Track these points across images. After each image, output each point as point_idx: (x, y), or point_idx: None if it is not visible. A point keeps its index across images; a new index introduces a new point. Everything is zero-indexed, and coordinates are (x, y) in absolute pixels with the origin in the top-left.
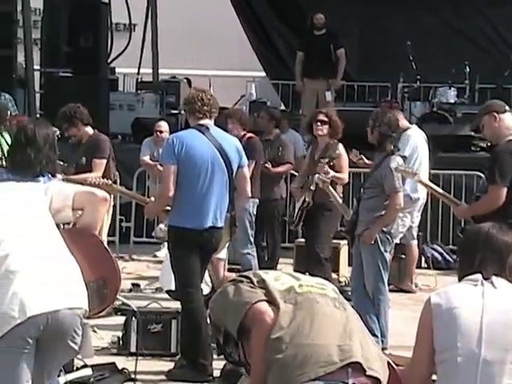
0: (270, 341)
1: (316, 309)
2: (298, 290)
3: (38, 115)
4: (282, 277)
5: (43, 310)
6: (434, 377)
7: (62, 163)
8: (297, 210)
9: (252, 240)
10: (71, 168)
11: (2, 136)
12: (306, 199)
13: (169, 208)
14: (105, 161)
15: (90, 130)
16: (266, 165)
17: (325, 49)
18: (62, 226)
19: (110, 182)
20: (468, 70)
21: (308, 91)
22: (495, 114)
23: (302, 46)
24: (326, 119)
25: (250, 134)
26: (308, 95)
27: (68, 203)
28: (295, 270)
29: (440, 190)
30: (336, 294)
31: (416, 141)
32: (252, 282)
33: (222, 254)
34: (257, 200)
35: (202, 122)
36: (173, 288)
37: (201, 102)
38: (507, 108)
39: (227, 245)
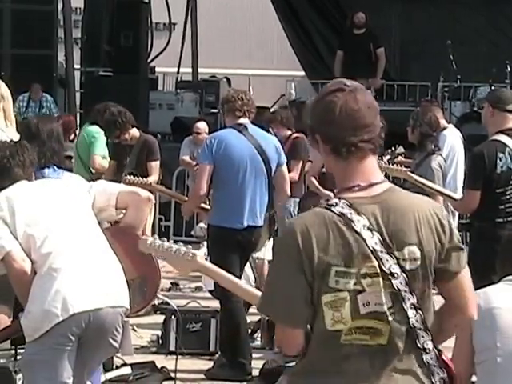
0: None
1: None
2: None
3: (78, 114)
4: None
5: (85, 308)
6: (474, 378)
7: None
8: None
9: None
10: (123, 169)
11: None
12: None
13: (208, 207)
14: (158, 162)
15: (136, 131)
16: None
17: (365, 48)
18: (104, 225)
19: (150, 181)
20: (509, 69)
21: None
22: (491, 107)
23: (342, 45)
24: None
25: (296, 134)
26: None
27: (112, 202)
28: None
29: (435, 186)
30: None
31: (452, 141)
32: None
33: (267, 254)
34: (298, 199)
35: (240, 121)
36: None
37: (241, 101)
38: (509, 108)
39: (269, 244)
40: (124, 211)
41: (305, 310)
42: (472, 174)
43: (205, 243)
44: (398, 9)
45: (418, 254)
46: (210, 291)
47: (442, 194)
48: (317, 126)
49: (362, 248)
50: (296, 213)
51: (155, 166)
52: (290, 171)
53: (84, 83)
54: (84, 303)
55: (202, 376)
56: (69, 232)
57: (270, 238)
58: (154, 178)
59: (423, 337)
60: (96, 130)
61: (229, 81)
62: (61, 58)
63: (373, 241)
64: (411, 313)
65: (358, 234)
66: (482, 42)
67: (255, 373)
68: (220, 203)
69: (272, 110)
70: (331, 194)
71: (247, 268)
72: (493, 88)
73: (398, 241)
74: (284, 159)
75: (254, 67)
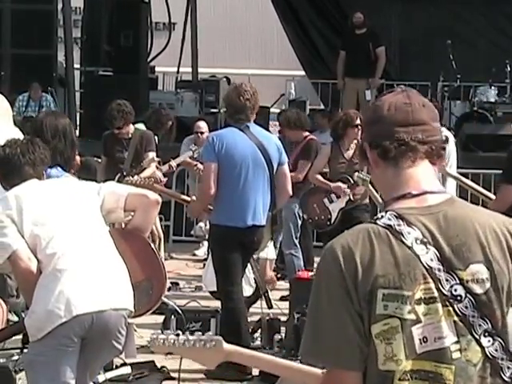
0: None
1: None
2: None
3: (78, 114)
4: None
5: (89, 310)
6: None
7: (98, 160)
8: (337, 210)
9: (296, 242)
10: (115, 165)
11: None
12: (352, 198)
13: (210, 207)
14: (155, 154)
15: (133, 127)
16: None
17: (365, 48)
18: (111, 226)
19: (152, 181)
20: (509, 69)
21: (349, 90)
22: None
23: (343, 46)
24: (361, 122)
25: (310, 136)
26: (349, 94)
27: (120, 204)
28: None
29: (469, 183)
30: None
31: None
32: None
33: (270, 254)
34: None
35: (242, 119)
36: (216, 289)
37: (243, 100)
38: None
39: (271, 244)
40: (132, 213)
41: (360, 345)
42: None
43: (205, 243)
44: (397, 9)
45: (485, 273)
46: (211, 292)
47: (479, 192)
48: (365, 132)
49: (414, 265)
50: (301, 215)
51: (152, 156)
52: (295, 170)
53: (84, 83)
54: (87, 305)
55: (203, 376)
56: (75, 233)
57: (271, 238)
58: (152, 169)
59: (509, 368)
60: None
61: (229, 80)
62: (61, 57)
63: (428, 257)
64: (486, 341)
65: (410, 248)
66: (481, 42)
67: (255, 373)
68: (222, 202)
69: (279, 114)
70: (341, 184)
71: (246, 269)
72: (493, 87)
73: (460, 257)
74: (285, 158)
75: (254, 67)
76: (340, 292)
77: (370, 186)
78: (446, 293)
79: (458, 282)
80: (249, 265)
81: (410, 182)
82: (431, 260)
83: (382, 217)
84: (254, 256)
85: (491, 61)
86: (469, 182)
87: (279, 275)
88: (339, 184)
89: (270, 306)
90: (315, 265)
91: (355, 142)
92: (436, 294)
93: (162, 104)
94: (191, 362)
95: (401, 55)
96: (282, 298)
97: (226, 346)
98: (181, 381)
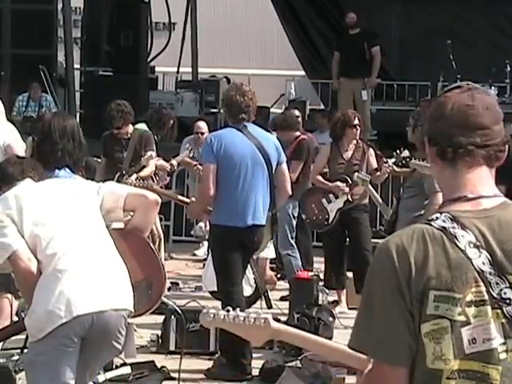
0: None
1: None
2: None
3: (77, 114)
4: None
5: (89, 310)
6: None
7: (98, 160)
8: (335, 211)
9: (292, 242)
10: (114, 165)
11: None
12: (350, 199)
13: (209, 208)
14: (155, 153)
15: (131, 127)
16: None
17: (360, 48)
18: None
19: (151, 183)
20: (509, 69)
21: (345, 90)
22: None
23: (338, 46)
24: (359, 122)
25: (302, 136)
26: (345, 94)
27: (120, 204)
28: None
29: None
30: None
31: None
32: None
33: (269, 253)
34: (297, 202)
35: (240, 120)
36: (215, 289)
37: (242, 100)
38: None
39: (271, 244)
40: (131, 213)
41: (410, 342)
42: None
43: (205, 243)
44: (397, 9)
45: None
46: (211, 292)
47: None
48: (426, 125)
49: (466, 269)
50: (295, 215)
51: (151, 154)
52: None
53: (84, 83)
54: (87, 305)
55: (202, 376)
56: (75, 233)
57: (271, 238)
58: (151, 168)
59: None
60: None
61: (228, 80)
62: (61, 57)
63: (480, 260)
64: None
65: (463, 251)
66: (481, 42)
67: (255, 372)
68: (222, 202)
69: (274, 115)
70: (339, 183)
71: (246, 269)
72: (493, 87)
73: (511, 261)
74: (284, 158)
75: (254, 67)
76: (393, 290)
77: (369, 186)
78: (495, 296)
79: (507, 285)
80: (249, 265)
81: (466, 186)
82: (483, 264)
83: (437, 218)
84: (254, 256)
85: (491, 61)
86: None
87: (279, 275)
88: (337, 183)
89: (269, 306)
90: (315, 265)
91: (354, 142)
92: (486, 296)
93: (162, 104)
94: (191, 362)
95: (401, 55)
96: (282, 298)
97: (274, 324)
98: (181, 381)
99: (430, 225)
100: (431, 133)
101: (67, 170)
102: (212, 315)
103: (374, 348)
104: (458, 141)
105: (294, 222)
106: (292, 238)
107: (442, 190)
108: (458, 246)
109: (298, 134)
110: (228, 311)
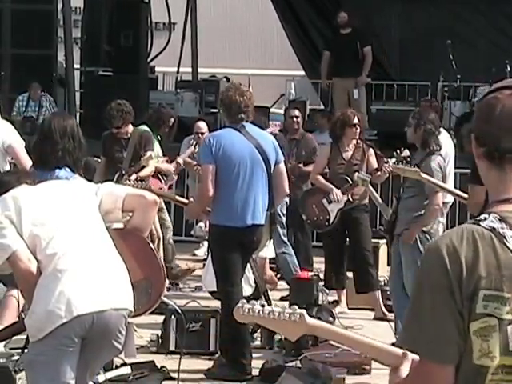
0: None
1: None
2: None
3: (77, 114)
4: None
5: (89, 310)
6: None
7: (98, 160)
8: (336, 211)
9: (285, 239)
10: (114, 165)
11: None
12: (350, 199)
13: (208, 209)
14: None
15: (131, 126)
16: (299, 164)
17: (352, 47)
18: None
19: (149, 184)
20: (509, 69)
21: (338, 90)
22: None
23: (328, 46)
24: (359, 122)
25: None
26: (339, 94)
27: (118, 205)
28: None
29: (445, 186)
30: None
31: (445, 141)
32: None
33: (268, 252)
34: (286, 199)
35: (238, 120)
36: (215, 289)
37: (240, 100)
38: None
39: (270, 243)
40: (130, 214)
41: (458, 341)
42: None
43: (205, 243)
44: (397, 9)
45: None
46: (211, 292)
47: (454, 194)
48: (474, 124)
49: None
50: (284, 213)
51: (150, 154)
52: None
53: (84, 83)
54: (88, 305)
55: (202, 376)
56: (74, 233)
57: (270, 238)
58: (150, 168)
59: None
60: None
61: (228, 80)
62: (61, 57)
63: None
64: None
65: None
66: (481, 42)
67: (255, 372)
68: (221, 202)
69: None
70: (338, 191)
71: (246, 269)
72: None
73: None
74: (281, 157)
75: (254, 67)
76: (444, 292)
77: (369, 186)
78: None
79: None
80: (248, 265)
81: None
82: None
83: (486, 219)
84: (253, 255)
85: (491, 61)
86: (442, 184)
87: (279, 275)
88: (332, 187)
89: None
90: (315, 265)
91: (354, 142)
92: None
93: (161, 103)
94: (191, 362)
95: (401, 55)
96: (282, 298)
97: (309, 320)
98: (181, 381)
99: (479, 225)
100: (479, 133)
101: (67, 169)
102: (247, 310)
103: (425, 348)
104: (507, 146)
105: (284, 219)
106: (284, 236)
107: (488, 189)
108: (507, 246)
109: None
110: (263, 306)
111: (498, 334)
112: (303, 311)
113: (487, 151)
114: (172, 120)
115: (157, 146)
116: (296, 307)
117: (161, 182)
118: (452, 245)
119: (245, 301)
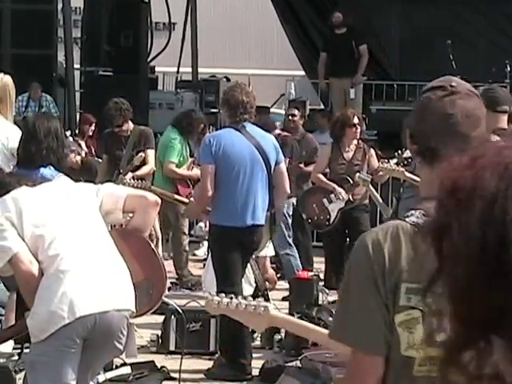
0: None
1: None
2: None
3: (78, 114)
4: None
5: (92, 311)
6: None
7: (99, 160)
8: (336, 211)
9: (290, 241)
10: (116, 162)
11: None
12: (351, 199)
13: (208, 208)
14: (154, 151)
15: (131, 124)
16: (300, 164)
17: (347, 47)
18: (111, 227)
19: (149, 184)
20: (509, 69)
21: (336, 90)
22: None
23: (324, 46)
24: (359, 122)
25: (284, 133)
26: (336, 94)
27: (119, 206)
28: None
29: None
30: None
31: None
32: None
33: (268, 251)
34: (293, 200)
35: (239, 120)
36: (215, 289)
37: (240, 100)
38: (499, 109)
39: (270, 243)
40: (131, 214)
41: (385, 332)
42: None
43: (205, 243)
44: (397, 9)
45: None
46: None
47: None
48: (410, 121)
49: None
50: (291, 214)
51: (151, 153)
52: None
53: (84, 83)
54: (90, 306)
55: (202, 376)
56: (76, 234)
57: (271, 238)
58: (150, 166)
59: None
60: (174, 136)
61: (228, 80)
62: (61, 57)
63: None
64: None
65: None
66: (481, 42)
67: (255, 372)
68: (221, 202)
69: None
70: (337, 188)
71: (246, 269)
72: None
73: None
74: (282, 157)
75: (254, 67)
76: (369, 282)
77: (370, 186)
78: None
79: None
80: (249, 265)
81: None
82: None
83: (412, 215)
84: (253, 255)
85: (491, 61)
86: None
87: (279, 275)
88: (335, 185)
89: None
90: (315, 265)
91: (355, 142)
92: None
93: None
94: (191, 362)
95: (401, 55)
96: (284, 299)
97: (273, 311)
98: (181, 381)
99: (405, 221)
100: (413, 131)
101: (51, 168)
102: (217, 302)
103: (351, 338)
104: (437, 146)
105: (290, 221)
106: (289, 237)
107: (419, 186)
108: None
109: (278, 131)
110: (231, 298)
111: (421, 327)
112: (268, 304)
113: (419, 149)
114: (202, 126)
115: (185, 150)
116: (261, 300)
117: (188, 186)
118: (377, 239)
119: (214, 293)
